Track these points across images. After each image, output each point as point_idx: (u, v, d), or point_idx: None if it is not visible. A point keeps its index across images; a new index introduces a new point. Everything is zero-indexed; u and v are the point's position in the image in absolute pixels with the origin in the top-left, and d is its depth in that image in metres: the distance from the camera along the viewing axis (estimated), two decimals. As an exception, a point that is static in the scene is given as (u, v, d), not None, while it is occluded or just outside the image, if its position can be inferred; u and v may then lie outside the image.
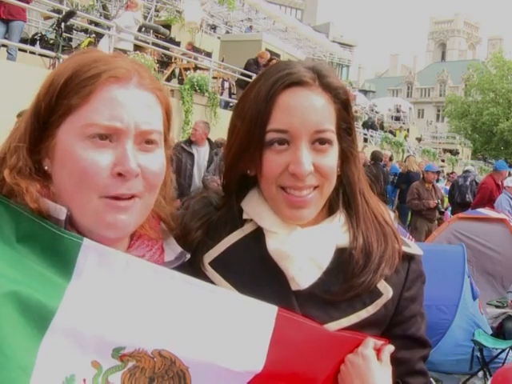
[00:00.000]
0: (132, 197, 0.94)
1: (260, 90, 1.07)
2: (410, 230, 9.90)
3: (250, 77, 12.28)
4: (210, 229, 1.16)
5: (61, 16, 8.89)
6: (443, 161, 30.04)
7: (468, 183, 11.25)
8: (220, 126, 10.00)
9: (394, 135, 25.58)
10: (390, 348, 1.11)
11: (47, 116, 0.93)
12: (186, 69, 12.97)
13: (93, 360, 0.86)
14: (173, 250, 1.09)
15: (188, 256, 1.09)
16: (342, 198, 1.17)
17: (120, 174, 0.91)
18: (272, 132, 1.05)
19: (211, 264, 1.13)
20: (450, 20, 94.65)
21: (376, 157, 11.33)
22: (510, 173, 12.01)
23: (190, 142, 7.39)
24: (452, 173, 21.00)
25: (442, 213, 10.45)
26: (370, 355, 1.07)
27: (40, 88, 0.95)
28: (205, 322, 0.95)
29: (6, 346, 0.76)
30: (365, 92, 56.88)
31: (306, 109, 1.04)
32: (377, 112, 30.30)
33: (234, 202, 1.18)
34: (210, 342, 0.94)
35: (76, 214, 0.93)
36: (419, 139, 35.06)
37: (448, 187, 13.45)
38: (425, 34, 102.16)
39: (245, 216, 1.17)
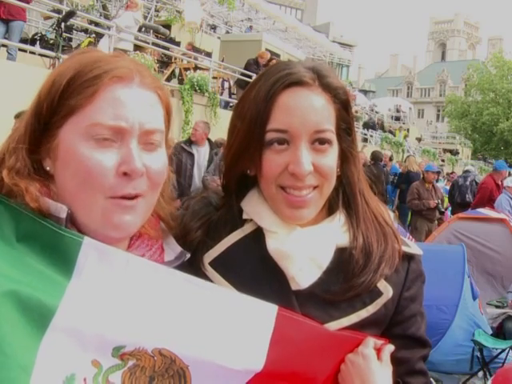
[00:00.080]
0: (136, 196, 0.94)
1: (260, 90, 1.07)
2: (410, 230, 9.91)
3: (249, 77, 12.28)
4: (210, 229, 1.16)
5: (61, 16, 8.89)
6: (443, 161, 30.07)
7: (468, 183, 11.26)
8: (220, 126, 10.00)
9: (394, 135, 25.58)
10: (390, 348, 1.12)
11: (49, 116, 0.93)
12: (186, 69, 12.97)
13: (93, 359, 0.86)
14: (173, 249, 1.09)
15: (188, 255, 1.09)
16: (342, 198, 1.17)
17: (125, 174, 0.91)
18: (272, 132, 1.05)
19: (211, 264, 1.13)
20: (450, 20, 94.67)
21: (376, 157, 11.34)
22: (510, 173, 12.02)
23: (190, 142, 7.39)
24: (452, 173, 21.03)
25: (442, 213, 10.45)
26: (370, 355, 1.07)
27: (41, 88, 0.95)
28: (205, 320, 0.96)
29: (6, 344, 0.76)
30: (365, 92, 56.87)
31: (306, 109, 1.04)
32: (377, 112, 30.30)
33: (233, 201, 1.18)
34: (211, 340, 0.94)
35: (80, 214, 0.93)
36: (419, 139, 35.06)
37: (448, 187, 13.46)
38: (425, 34, 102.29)
39: (245, 216, 1.17)
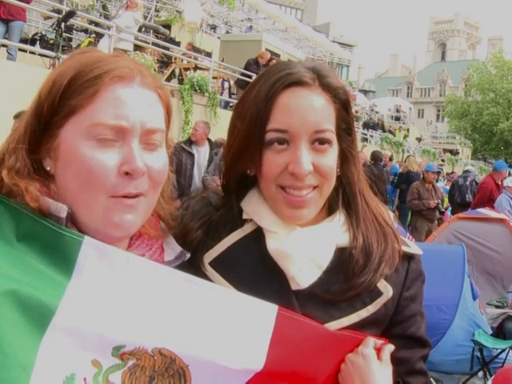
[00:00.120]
0: (138, 195, 0.94)
1: (260, 90, 1.07)
2: (410, 230, 9.91)
3: (249, 77, 12.28)
4: (210, 229, 1.17)
5: (61, 16, 8.89)
6: (443, 161, 30.07)
7: (468, 183, 11.26)
8: (220, 126, 9.99)
9: (394, 135, 25.59)
10: (390, 347, 1.12)
11: (49, 116, 0.93)
12: (186, 69, 12.97)
13: (93, 359, 0.86)
14: (172, 249, 1.09)
15: (188, 255, 1.09)
16: (342, 198, 1.17)
17: (127, 173, 0.91)
18: (272, 132, 1.05)
19: (211, 264, 1.13)
20: (450, 20, 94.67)
21: (376, 157, 11.33)
22: (509, 173, 12.02)
23: (190, 142, 7.38)
24: (452, 173, 21.03)
25: (442, 213, 10.45)
26: (370, 354, 1.07)
27: (41, 88, 0.95)
28: (205, 320, 0.96)
29: (6, 344, 0.76)
30: (365, 92, 56.87)
31: (306, 109, 1.05)
32: (377, 112, 30.30)
33: (233, 201, 1.18)
34: (211, 340, 0.95)
35: (81, 213, 0.93)
36: (419, 139, 35.07)
37: (448, 187, 13.46)
38: (425, 34, 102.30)
39: (245, 216, 1.17)
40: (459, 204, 11.00)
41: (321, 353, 1.06)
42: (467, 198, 10.99)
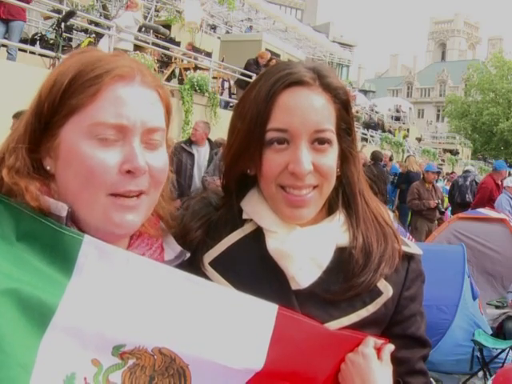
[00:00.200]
0: (140, 194, 0.94)
1: (260, 89, 1.07)
2: (411, 230, 9.91)
3: (249, 77, 12.29)
4: (210, 229, 1.17)
5: (61, 16, 8.88)
6: (443, 161, 30.07)
7: (468, 183, 11.26)
8: (220, 126, 9.99)
9: (394, 135, 25.58)
10: (391, 347, 1.12)
11: (50, 116, 0.93)
12: (186, 69, 12.97)
13: (93, 358, 0.86)
14: (172, 248, 1.09)
15: (188, 255, 1.09)
16: (342, 198, 1.18)
17: (129, 172, 0.92)
18: (272, 131, 1.05)
19: (211, 264, 1.13)
20: (450, 20, 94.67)
21: (376, 157, 11.33)
22: (509, 173, 12.02)
23: (190, 142, 7.38)
24: (452, 173, 21.03)
25: (442, 213, 10.45)
26: (370, 354, 1.07)
27: (41, 88, 0.95)
28: (205, 319, 0.96)
29: (6, 343, 0.76)
30: (365, 92, 56.86)
31: (306, 108, 1.05)
32: (377, 112, 30.30)
33: (233, 201, 1.18)
34: (211, 339, 0.95)
35: (82, 212, 0.93)
36: (419, 139, 35.07)
37: (448, 187, 13.46)
38: (425, 34, 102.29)
39: (244, 216, 1.17)
40: (459, 204, 11.00)
41: (321, 352, 1.06)
42: (467, 197, 10.99)
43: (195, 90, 11.21)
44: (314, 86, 1.07)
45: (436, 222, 9.92)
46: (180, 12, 18.11)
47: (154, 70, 10.53)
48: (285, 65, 1.10)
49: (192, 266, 1.09)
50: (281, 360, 1.00)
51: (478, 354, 4.47)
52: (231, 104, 13.32)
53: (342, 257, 1.12)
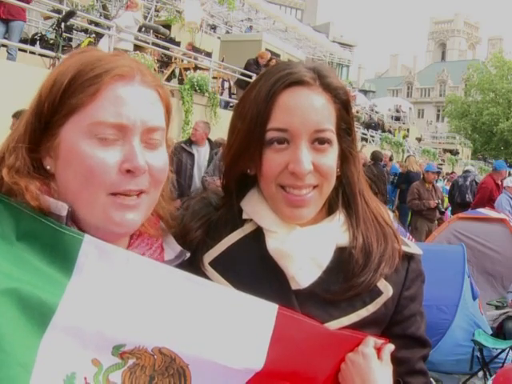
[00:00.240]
0: (140, 193, 0.94)
1: (260, 89, 1.07)
2: (411, 230, 9.91)
3: (249, 77, 12.29)
4: (210, 229, 1.17)
5: (61, 16, 8.89)
6: (443, 161, 30.07)
7: (468, 183, 11.26)
8: (220, 126, 10.00)
9: (394, 135, 25.58)
10: (391, 347, 1.12)
11: (50, 115, 0.93)
12: (186, 69, 12.97)
13: (93, 358, 0.86)
14: (172, 248, 1.10)
15: (188, 255, 1.09)
16: (342, 198, 1.18)
17: (129, 171, 0.92)
18: (272, 131, 1.05)
19: (211, 264, 1.13)
20: (450, 20, 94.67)
21: (376, 157, 11.33)
22: (509, 173, 12.02)
23: (190, 142, 7.38)
24: (452, 173, 21.04)
25: (442, 213, 10.45)
26: (370, 354, 1.07)
27: (41, 88, 0.95)
28: (205, 319, 0.96)
29: (6, 343, 0.76)
30: (365, 92, 56.88)
31: (306, 108, 1.05)
32: (377, 112, 30.31)
33: (233, 201, 1.18)
34: (211, 339, 0.95)
35: (83, 212, 0.93)
36: (419, 139, 35.09)
37: (448, 187, 13.46)
38: (425, 34, 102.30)
39: (244, 216, 1.17)
40: (459, 204, 11.00)
41: (321, 352, 1.06)
42: (467, 197, 10.99)
43: (195, 90, 11.21)
44: (314, 85, 1.07)
45: (436, 221, 9.92)
46: (180, 12, 18.11)
47: (154, 69, 10.53)
48: (285, 65, 1.10)
49: (192, 265, 1.09)
50: (281, 360, 1.00)
51: (478, 354, 4.47)
52: (231, 104, 13.32)
53: (342, 257, 1.12)
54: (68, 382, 0.82)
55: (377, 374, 1.06)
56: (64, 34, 9.67)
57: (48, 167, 0.96)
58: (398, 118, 35.14)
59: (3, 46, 8.82)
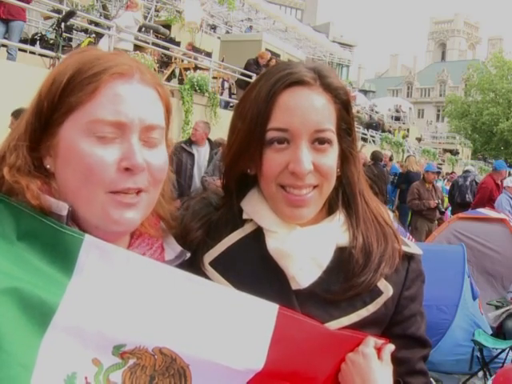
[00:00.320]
0: (139, 191, 0.94)
1: (261, 89, 1.07)
2: (411, 230, 9.91)
3: (249, 77, 12.29)
4: (211, 229, 1.17)
5: (61, 16, 8.88)
6: (443, 161, 30.07)
7: (468, 183, 11.26)
8: (220, 126, 10.00)
9: (394, 135, 25.58)
10: (391, 347, 1.12)
11: (50, 114, 0.93)
12: (186, 69, 12.97)
13: (94, 357, 0.86)
14: (173, 248, 1.10)
15: (188, 255, 1.09)
16: (342, 198, 1.18)
17: (127, 169, 0.92)
18: (272, 131, 1.05)
19: (211, 264, 1.13)
20: (450, 20, 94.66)
21: (376, 157, 11.32)
22: (509, 173, 12.01)
23: (190, 142, 7.38)
24: (452, 173, 21.03)
25: (442, 213, 10.45)
26: (370, 354, 1.07)
27: (41, 87, 0.96)
28: (206, 319, 0.96)
29: (7, 342, 0.76)
30: (365, 92, 56.90)
31: (307, 108, 1.05)
32: (377, 112, 30.31)
33: (234, 201, 1.18)
34: (211, 339, 0.95)
35: (82, 210, 0.93)
36: (419, 139, 35.07)
37: (448, 187, 13.46)
38: (425, 33, 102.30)
39: (245, 216, 1.17)
40: (459, 204, 11.00)
41: (321, 352, 1.06)
42: (467, 197, 10.99)
43: (195, 90, 11.21)
44: (314, 86, 1.07)
45: (436, 221, 9.92)
46: (180, 12, 18.11)
47: (154, 69, 10.53)
48: (285, 65, 1.10)
49: (192, 266, 1.09)
50: (281, 360, 1.00)
51: (478, 354, 4.47)
52: (231, 104, 13.32)
53: (342, 257, 1.12)
54: (69, 381, 0.82)
55: (377, 374, 1.06)
56: (64, 34, 9.66)
57: (48, 166, 0.96)
58: (397, 118, 35.14)
59: (3, 45, 8.82)
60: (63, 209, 0.90)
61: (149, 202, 0.99)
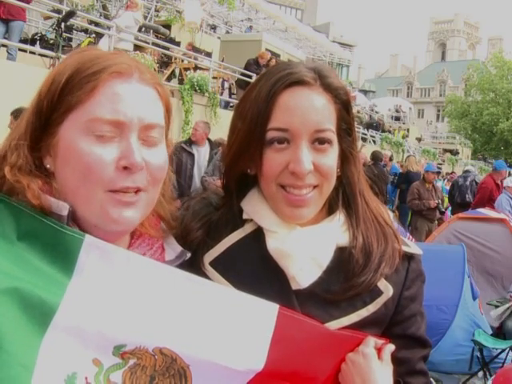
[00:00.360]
0: (138, 190, 0.94)
1: (261, 89, 1.07)
2: (411, 230, 9.91)
3: (249, 77, 12.29)
4: (211, 229, 1.17)
5: (61, 16, 8.88)
6: (443, 161, 30.07)
7: (468, 183, 11.26)
8: (220, 126, 10.00)
9: (394, 135, 25.58)
10: (391, 347, 1.12)
11: (49, 113, 0.93)
12: (186, 69, 12.97)
13: (94, 358, 0.86)
14: (173, 249, 1.10)
15: (188, 255, 1.09)
16: (342, 198, 1.18)
17: (126, 168, 0.92)
18: (272, 131, 1.05)
19: (211, 264, 1.13)
20: (450, 20, 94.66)
21: (376, 157, 11.32)
22: (509, 173, 12.02)
23: (190, 142, 7.38)
24: (452, 173, 21.04)
25: (442, 213, 10.45)
26: (370, 354, 1.07)
27: (41, 87, 0.96)
28: (206, 319, 0.96)
29: (7, 342, 0.76)
30: (365, 92, 56.92)
31: (307, 108, 1.05)
32: (377, 112, 30.31)
33: (234, 201, 1.18)
34: (211, 339, 0.95)
35: (81, 210, 0.93)
36: (419, 139, 35.08)
37: (448, 187, 13.46)
38: (425, 33, 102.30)
39: (245, 216, 1.17)
40: (459, 204, 11.00)
41: (321, 352, 1.06)
42: (467, 197, 10.98)
43: (195, 90, 11.21)
44: (314, 86, 1.07)
45: (436, 221, 9.92)
46: (180, 12, 18.11)
47: (154, 69, 10.53)
48: (285, 65, 1.10)
49: (192, 266, 1.09)
50: (281, 360, 1.00)
51: (478, 354, 4.47)
52: (231, 104, 13.33)
53: (342, 257, 1.12)
54: (69, 381, 0.82)
55: (377, 374, 1.06)
56: (64, 34, 9.67)
57: (48, 166, 0.96)
58: (397, 118, 35.14)
59: (3, 45, 8.82)
60: (64, 209, 0.90)
61: (148, 202, 0.98)
